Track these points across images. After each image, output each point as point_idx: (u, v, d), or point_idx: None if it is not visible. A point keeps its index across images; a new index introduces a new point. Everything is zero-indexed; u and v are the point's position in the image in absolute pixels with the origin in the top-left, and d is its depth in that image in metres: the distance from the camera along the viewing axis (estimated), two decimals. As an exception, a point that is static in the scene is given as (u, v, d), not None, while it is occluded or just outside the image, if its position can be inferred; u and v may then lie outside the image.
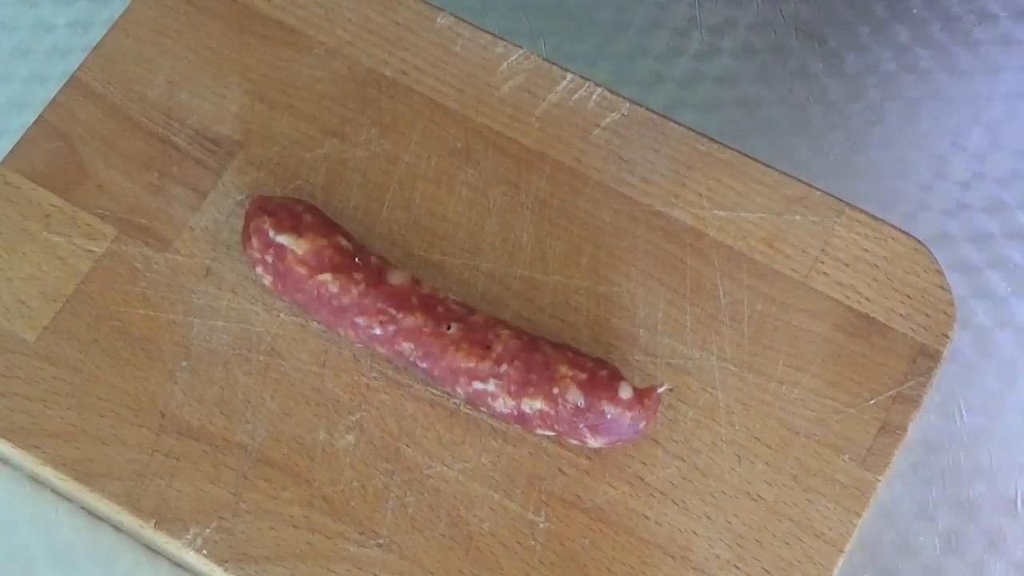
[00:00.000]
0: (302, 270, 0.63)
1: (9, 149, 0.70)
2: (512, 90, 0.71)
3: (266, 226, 0.64)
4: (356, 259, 0.64)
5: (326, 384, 0.65)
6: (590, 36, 0.79)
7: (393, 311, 0.63)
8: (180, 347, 0.66)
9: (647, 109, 0.70)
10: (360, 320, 0.63)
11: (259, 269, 0.65)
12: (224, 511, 0.63)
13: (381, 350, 0.64)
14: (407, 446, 0.64)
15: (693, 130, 0.70)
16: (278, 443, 0.64)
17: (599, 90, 0.71)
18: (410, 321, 0.63)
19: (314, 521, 0.62)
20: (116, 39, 0.72)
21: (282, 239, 0.63)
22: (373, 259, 0.64)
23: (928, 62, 0.78)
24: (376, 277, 0.63)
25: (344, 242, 0.64)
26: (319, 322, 0.65)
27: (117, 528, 0.65)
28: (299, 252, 0.63)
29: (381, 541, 0.62)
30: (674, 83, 0.77)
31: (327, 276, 0.63)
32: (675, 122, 0.70)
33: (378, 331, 0.63)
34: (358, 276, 0.63)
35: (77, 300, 0.67)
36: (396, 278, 0.64)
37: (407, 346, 0.63)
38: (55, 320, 0.66)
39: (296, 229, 0.64)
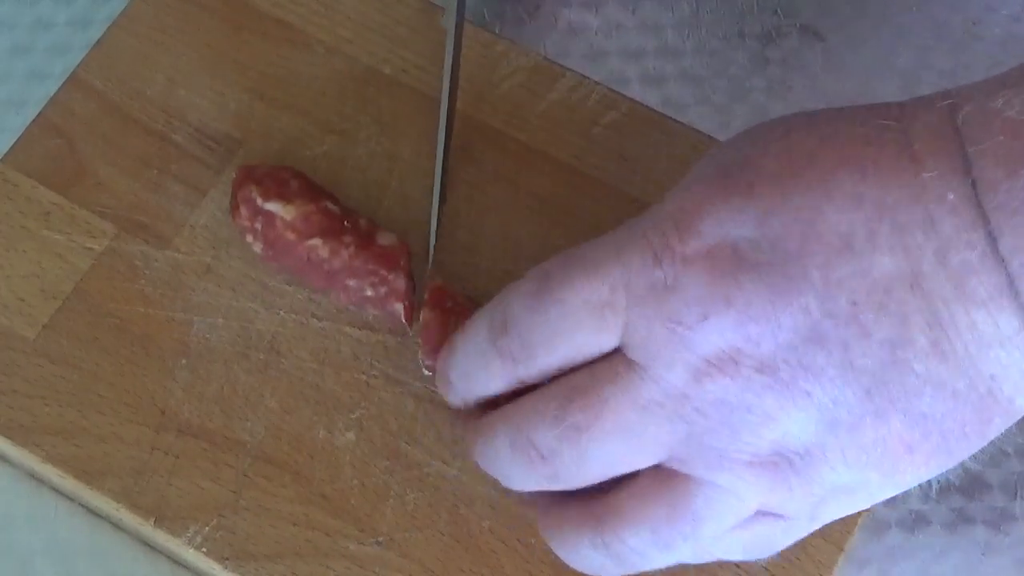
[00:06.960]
0: (291, 236, 0.64)
1: (8, 147, 0.70)
2: (512, 88, 0.71)
3: (253, 194, 0.65)
4: (344, 222, 0.64)
5: (326, 382, 0.65)
6: (590, 35, 0.79)
7: (384, 272, 0.63)
8: (180, 345, 0.65)
9: (647, 107, 0.70)
10: (352, 283, 0.64)
11: (249, 238, 0.65)
12: (224, 509, 0.62)
13: (373, 311, 0.64)
14: (407, 444, 0.64)
15: (694, 128, 0.70)
16: (278, 441, 0.64)
17: (599, 88, 0.71)
18: (401, 282, 0.63)
19: (314, 519, 0.62)
20: (116, 37, 0.72)
21: (270, 206, 0.64)
22: (362, 221, 0.65)
23: (927, 61, 0.78)
24: (365, 239, 0.64)
25: (331, 206, 0.65)
26: (311, 288, 0.66)
27: (116, 526, 0.65)
28: (287, 218, 0.64)
29: (381, 539, 0.62)
30: (674, 81, 0.77)
31: (317, 241, 0.64)
32: (675, 120, 0.70)
33: (370, 292, 0.64)
34: (347, 239, 0.64)
35: (76, 298, 0.66)
36: (385, 239, 0.65)
37: (399, 307, 0.63)
38: (54, 318, 0.66)
39: (283, 195, 0.65)
